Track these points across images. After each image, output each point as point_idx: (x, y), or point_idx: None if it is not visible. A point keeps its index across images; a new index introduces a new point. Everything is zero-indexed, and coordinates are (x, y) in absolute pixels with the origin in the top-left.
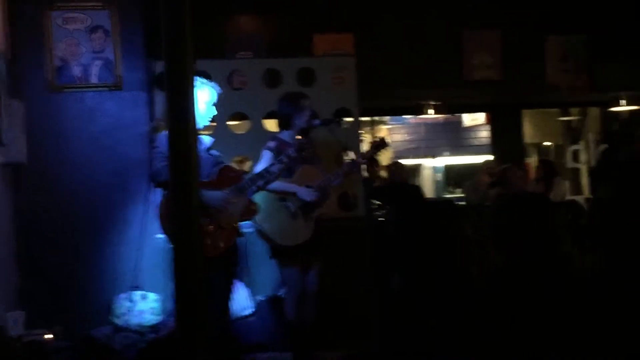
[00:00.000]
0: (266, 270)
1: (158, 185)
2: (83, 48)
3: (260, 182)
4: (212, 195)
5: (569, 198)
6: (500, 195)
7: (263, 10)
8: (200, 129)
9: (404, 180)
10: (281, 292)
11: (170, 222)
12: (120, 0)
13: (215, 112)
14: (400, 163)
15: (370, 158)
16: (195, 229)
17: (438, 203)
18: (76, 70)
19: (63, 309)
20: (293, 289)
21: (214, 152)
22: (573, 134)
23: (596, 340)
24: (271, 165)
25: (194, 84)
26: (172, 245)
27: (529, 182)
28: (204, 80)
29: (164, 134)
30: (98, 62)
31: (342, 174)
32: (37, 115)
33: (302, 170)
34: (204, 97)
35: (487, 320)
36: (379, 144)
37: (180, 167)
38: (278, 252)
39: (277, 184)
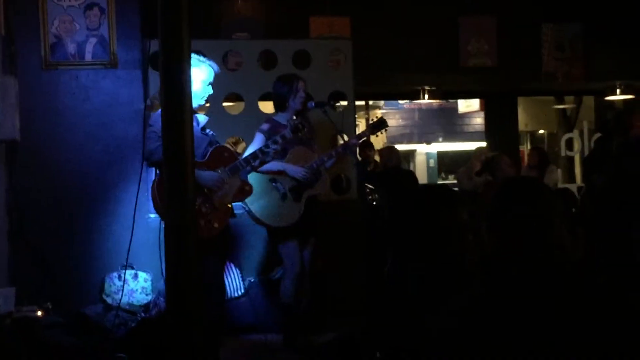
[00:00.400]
0: (256, 251)
1: (152, 164)
2: (78, 25)
3: (255, 163)
4: (207, 175)
5: (562, 186)
6: (489, 183)
7: None
8: (195, 108)
9: (396, 165)
10: (277, 274)
11: (162, 201)
12: None
13: (211, 91)
14: (393, 147)
15: (368, 138)
16: (189, 210)
17: (433, 188)
18: (71, 48)
19: (55, 286)
20: (293, 267)
21: (208, 131)
22: (567, 122)
23: (586, 330)
24: (265, 145)
25: (191, 61)
26: (165, 225)
27: (522, 169)
28: (202, 58)
29: (158, 113)
30: (93, 40)
31: (336, 155)
32: (31, 92)
33: (295, 151)
34: (201, 75)
35: (480, 305)
36: (378, 124)
37: (175, 146)
38: (275, 233)
39: (266, 164)
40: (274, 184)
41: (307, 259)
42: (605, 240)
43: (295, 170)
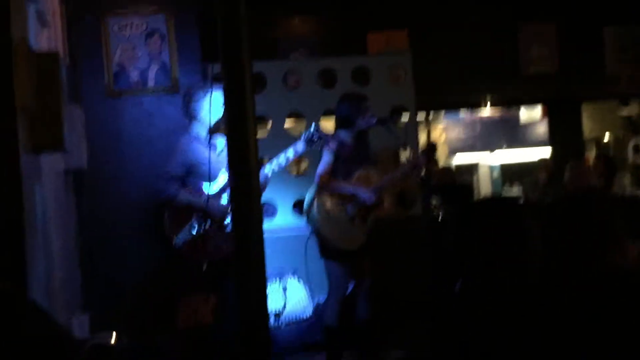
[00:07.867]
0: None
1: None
2: (139, 53)
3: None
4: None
5: (630, 193)
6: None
7: (317, 10)
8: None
9: (451, 182)
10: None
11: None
12: (175, 3)
13: None
14: (448, 168)
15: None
16: (257, 231)
17: (497, 200)
18: (133, 75)
19: (126, 313)
20: (338, 291)
21: None
22: (633, 127)
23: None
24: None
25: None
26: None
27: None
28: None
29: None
30: (154, 66)
31: (400, 176)
32: (96, 121)
33: (360, 174)
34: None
35: (548, 323)
36: (429, 151)
37: (240, 173)
38: (329, 252)
39: (339, 186)
40: (343, 206)
41: (366, 280)
42: None
43: (366, 194)
